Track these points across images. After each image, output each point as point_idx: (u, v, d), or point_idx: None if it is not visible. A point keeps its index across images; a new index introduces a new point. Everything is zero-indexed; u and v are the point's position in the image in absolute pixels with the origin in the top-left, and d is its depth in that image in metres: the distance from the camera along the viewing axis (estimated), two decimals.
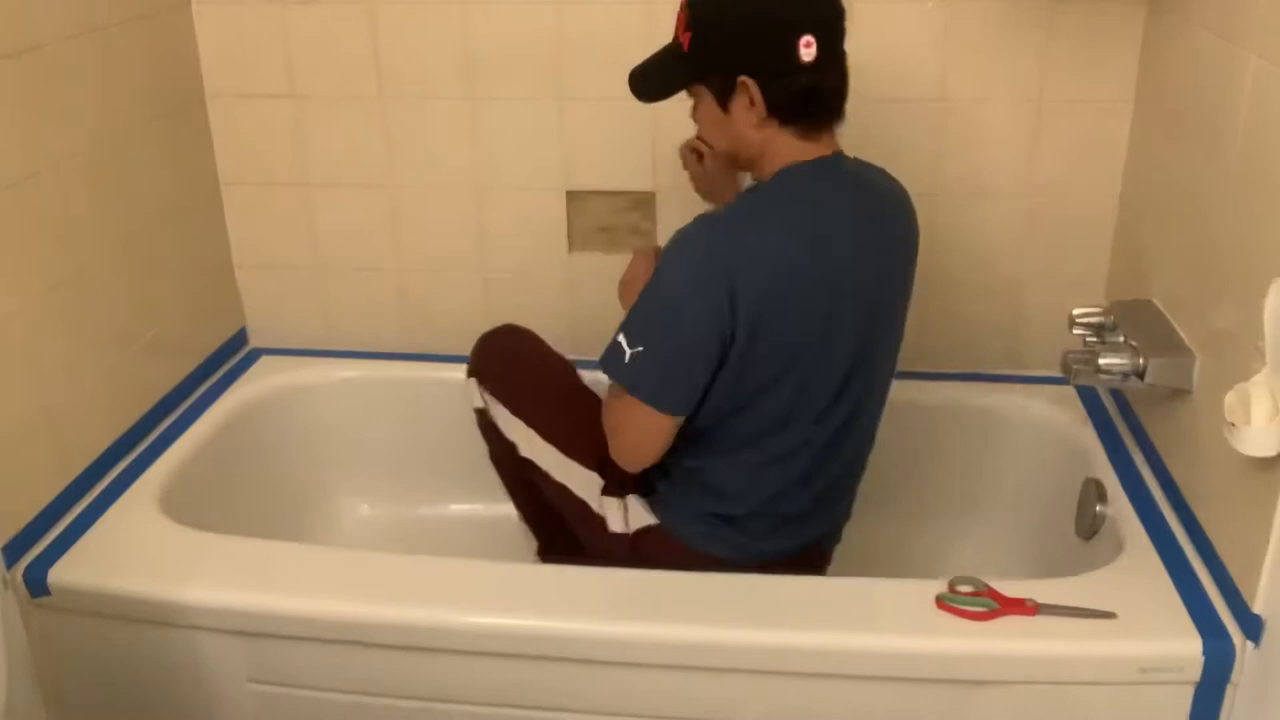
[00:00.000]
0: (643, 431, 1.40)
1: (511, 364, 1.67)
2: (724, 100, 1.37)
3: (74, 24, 1.56)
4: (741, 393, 1.38)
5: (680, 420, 1.39)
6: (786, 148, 1.38)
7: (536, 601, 1.38)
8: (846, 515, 1.60)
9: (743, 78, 1.33)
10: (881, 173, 1.48)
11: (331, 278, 2.04)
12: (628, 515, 1.53)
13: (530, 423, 1.59)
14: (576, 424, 1.55)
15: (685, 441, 1.44)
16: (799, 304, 1.34)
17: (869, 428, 1.52)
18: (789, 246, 1.33)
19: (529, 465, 1.59)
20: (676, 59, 1.39)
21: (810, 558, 1.56)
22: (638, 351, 1.34)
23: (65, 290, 1.56)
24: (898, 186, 1.49)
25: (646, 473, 1.49)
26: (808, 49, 1.31)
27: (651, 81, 1.43)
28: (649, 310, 1.36)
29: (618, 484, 1.54)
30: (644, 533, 1.52)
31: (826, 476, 1.48)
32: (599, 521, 1.54)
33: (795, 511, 1.48)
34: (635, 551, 1.52)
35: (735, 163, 1.46)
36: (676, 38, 1.39)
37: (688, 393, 1.37)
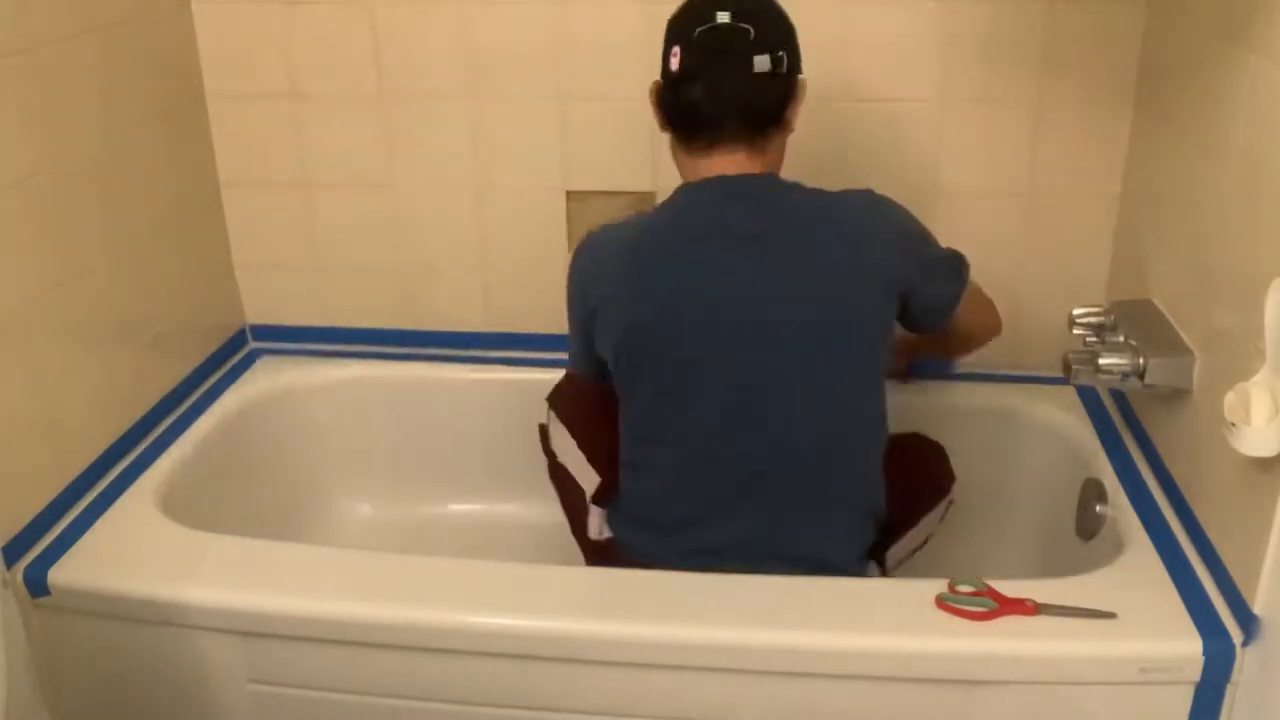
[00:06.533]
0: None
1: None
2: None
3: (74, 24, 1.56)
4: (621, 394, 1.46)
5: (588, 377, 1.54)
6: (681, 162, 1.43)
7: (536, 601, 1.38)
8: (751, 534, 1.44)
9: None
10: (810, 199, 1.40)
11: (331, 278, 2.04)
12: (601, 525, 1.56)
13: (565, 423, 1.61)
14: (598, 424, 1.56)
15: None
16: (638, 319, 1.39)
17: (784, 442, 1.41)
18: (635, 270, 1.40)
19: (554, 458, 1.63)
20: None
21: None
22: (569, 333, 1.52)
23: (65, 290, 1.56)
24: (834, 209, 1.40)
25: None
26: (674, 59, 1.36)
27: None
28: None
29: (604, 492, 1.55)
30: (606, 543, 1.55)
31: (710, 489, 1.44)
32: (583, 524, 1.57)
33: (670, 519, 1.47)
34: (600, 559, 1.55)
35: None
36: None
37: (585, 365, 1.52)
